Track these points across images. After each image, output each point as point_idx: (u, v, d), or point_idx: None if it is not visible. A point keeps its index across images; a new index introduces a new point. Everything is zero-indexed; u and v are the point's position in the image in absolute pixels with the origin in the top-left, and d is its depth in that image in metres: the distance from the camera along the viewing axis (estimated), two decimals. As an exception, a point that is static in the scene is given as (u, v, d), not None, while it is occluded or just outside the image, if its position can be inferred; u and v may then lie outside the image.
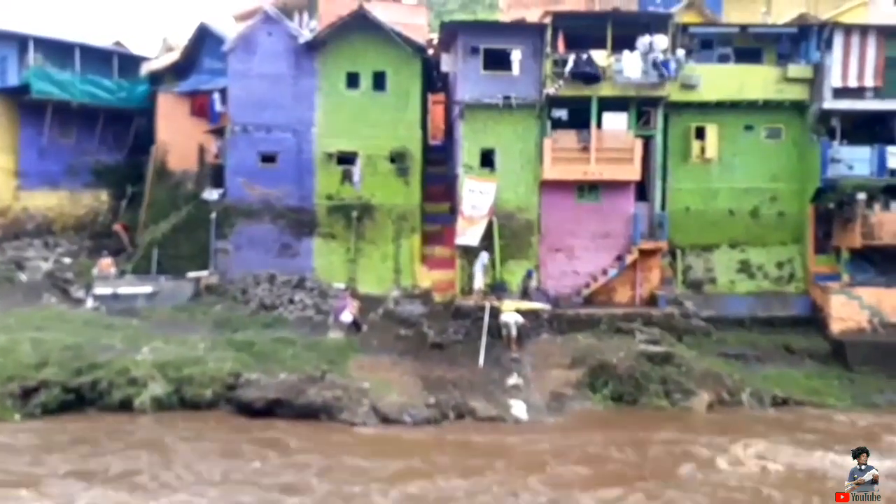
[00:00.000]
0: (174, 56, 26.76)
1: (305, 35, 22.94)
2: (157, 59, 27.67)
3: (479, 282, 21.38)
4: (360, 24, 22.45)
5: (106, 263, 22.58)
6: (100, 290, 21.58)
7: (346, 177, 22.61)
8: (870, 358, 19.91)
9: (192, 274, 22.37)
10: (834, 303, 21.14)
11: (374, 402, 16.60)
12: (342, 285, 22.11)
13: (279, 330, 20.00)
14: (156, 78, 26.78)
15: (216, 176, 23.77)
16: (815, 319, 21.68)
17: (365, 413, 16.35)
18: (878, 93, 21.95)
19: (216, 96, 24.07)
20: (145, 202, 25.29)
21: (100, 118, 26.08)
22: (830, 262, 22.33)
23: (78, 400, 16.36)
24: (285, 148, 22.69)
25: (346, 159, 22.70)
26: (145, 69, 27.12)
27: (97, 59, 26.06)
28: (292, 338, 19.40)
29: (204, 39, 25.46)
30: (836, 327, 20.97)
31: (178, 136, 25.49)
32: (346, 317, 20.29)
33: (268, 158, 22.80)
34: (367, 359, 18.86)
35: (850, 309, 21.04)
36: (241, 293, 21.78)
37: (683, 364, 18.51)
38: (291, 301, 21.49)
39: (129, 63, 27.08)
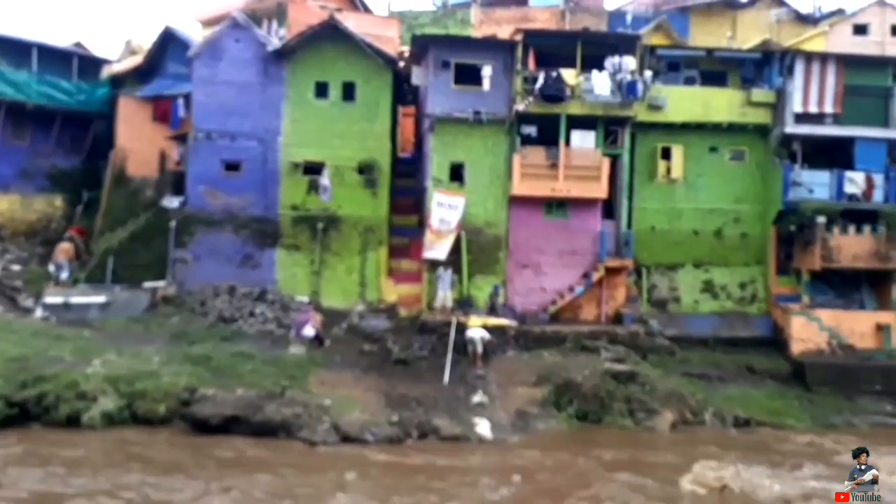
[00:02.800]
0: (137, 59, 26.06)
1: (274, 43, 22.60)
2: (119, 62, 26.91)
3: (446, 299, 21.17)
4: (330, 34, 22.22)
5: (65, 248, 21.74)
6: (50, 298, 20.69)
7: (314, 187, 22.23)
8: (828, 379, 20.22)
9: (148, 284, 21.63)
10: (794, 324, 21.46)
11: (335, 419, 16.16)
12: (305, 298, 21.65)
13: (238, 344, 19.41)
14: (117, 81, 25.96)
15: (177, 183, 23.14)
16: (776, 340, 21.95)
17: (325, 431, 15.88)
18: (837, 119, 22.55)
19: (180, 102, 23.48)
20: (102, 209, 24.40)
21: (56, 121, 25.15)
22: (791, 283, 22.72)
23: (22, 415, 15.50)
24: (250, 156, 22.22)
25: (312, 169, 22.31)
26: (106, 72, 26.29)
27: (56, 59, 25.19)
28: (251, 352, 18.84)
29: (168, 43, 24.85)
30: (796, 348, 21.27)
31: (138, 141, 24.73)
32: (308, 331, 19.83)
33: (231, 167, 22.30)
34: (329, 375, 18.41)
35: (810, 330, 21.38)
36: (200, 305, 21.12)
37: (648, 383, 18.50)
38: (252, 314, 20.91)
39: (90, 65, 26.24)
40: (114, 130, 25.29)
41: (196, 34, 25.68)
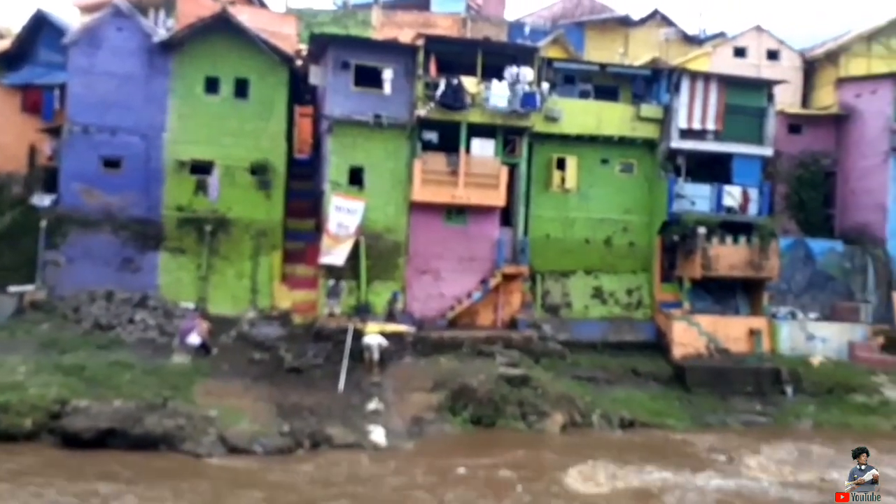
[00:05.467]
0: (4, 44, 23.89)
1: (161, 34, 21.44)
2: (-17, 46, 24.61)
3: (332, 306, 20.89)
4: (222, 28, 21.36)
5: None
6: None
7: (202, 188, 21.19)
8: (705, 381, 21.34)
9: (14, 288, 20.02)
10: (676, 329, 22.57)
11: (222, 430, 15.65)
12: (191, 305, 20.64)
13: (116, 352, 18.30)
14: (-20, 67, 23.78)
15: (49, 180, 21.53)
16: (659, 344, 23.01)
17: (211, 443, 15.37)
18: (717, 136, 23.89)
19: (55, 92, 21.78)
20: (-40, 206, 22.26)
21: None
22: (674, 290, 23.86)
23: None
24: (131, 153, 20.97)
25: (200, 168, 21.32)
26: (-33, 56, 23.99)
27: None
28: (130, 361, 17.84)
29: (41, 28, 22.97)
30: (677, 352, 22.36)
31: (4, 133, 22.72)
32: (194, 339, 18.95)
33: (111, 163, 20.98)
34: (216, 384, 17.70)
35: (690, 335, 22.54)
36: (73, 311, 19.73)
37: (540, 386, 18.92)
38: (131, 321, 19.71)
39: (-52, 47, 23.88)
40: (-25, 120, 23.15)
41: (73, 20, 23.96)
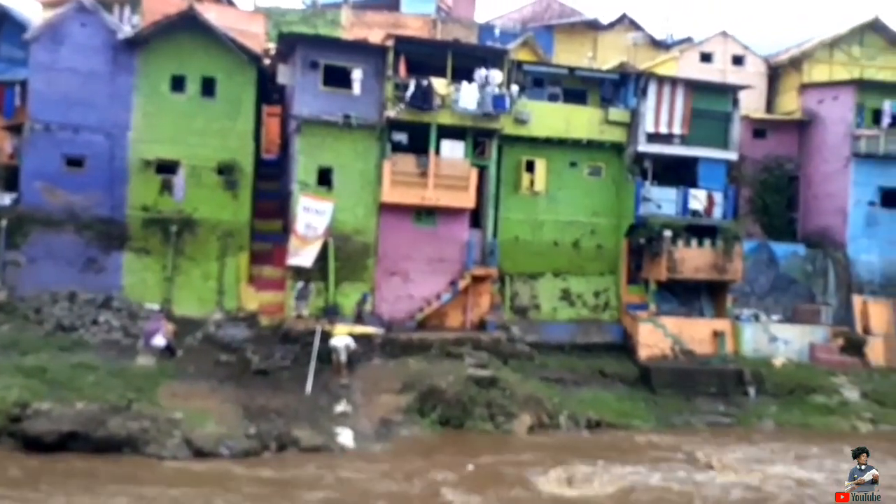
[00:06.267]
0: (-37, 38, 23.32)
1: (126, 31, 21.13)
2: (-58, 40, 23.95)
3: (301, 308, 20.82)
4: (189, 25, 21.09)
5: None
6: None
7: (168, 187, 20.93)
8: (671, 382, 21.66)
9: (-29, 289, 19.50)
10: (642, 330, 22.86)
11: (187, 433, 15.49)
12: (156, 306, 20.38)
13: (79, 354, 18.03)
14: (-62, 61, 23.16)
15: (10, 178, 21.10)
16: (626, 346, 23.27)
17: (176, 445, 15.22)
18: (684, 140, 24.20)
19: (17, 89, 21.33)
20: (-84, 204, 21.66)
21: None
22: (640, 292, 24.15)
23: None
24: (95, 152, 20.63)
25: (166, 168, 21.05)
26: (-76, 49, 23.37)
27: None
28: (94, 363, 17.59)
29: (1, 23, 22.45)
30: (643, 353, 22.65)
31: (-38, 129, 22.21)
32: (159, 340, 18.74)
33: (74, 162, 20.61)
34: (182, 386, 17.53)
35: (656, 336, 22.85)
36: (35, 312, 19.36)
37: (508, 388, 19.02)
38: (95, 322, 19.42)
39: None
40: (-68, 116, 22.56)
41: (35, 15, 23.49)
